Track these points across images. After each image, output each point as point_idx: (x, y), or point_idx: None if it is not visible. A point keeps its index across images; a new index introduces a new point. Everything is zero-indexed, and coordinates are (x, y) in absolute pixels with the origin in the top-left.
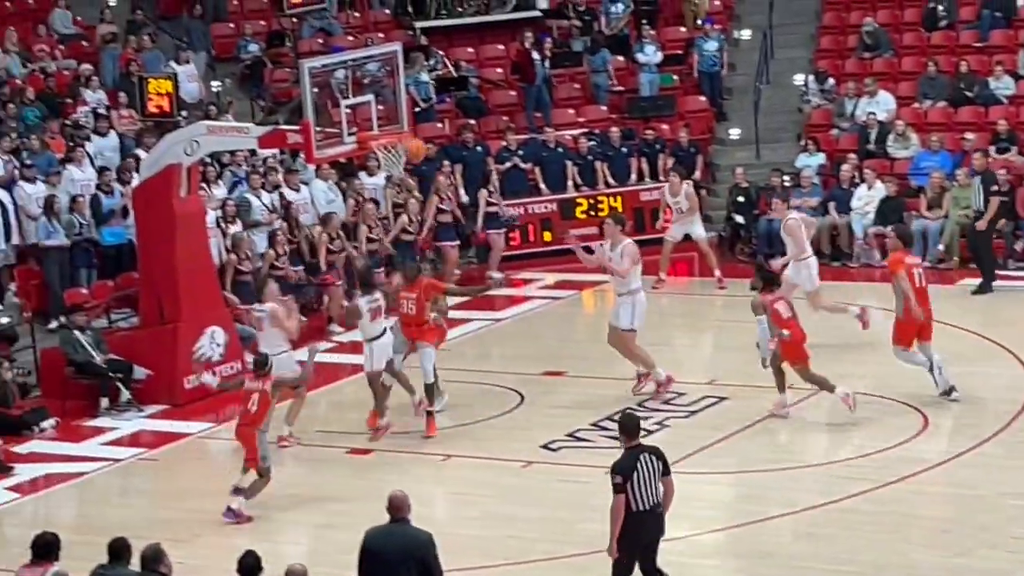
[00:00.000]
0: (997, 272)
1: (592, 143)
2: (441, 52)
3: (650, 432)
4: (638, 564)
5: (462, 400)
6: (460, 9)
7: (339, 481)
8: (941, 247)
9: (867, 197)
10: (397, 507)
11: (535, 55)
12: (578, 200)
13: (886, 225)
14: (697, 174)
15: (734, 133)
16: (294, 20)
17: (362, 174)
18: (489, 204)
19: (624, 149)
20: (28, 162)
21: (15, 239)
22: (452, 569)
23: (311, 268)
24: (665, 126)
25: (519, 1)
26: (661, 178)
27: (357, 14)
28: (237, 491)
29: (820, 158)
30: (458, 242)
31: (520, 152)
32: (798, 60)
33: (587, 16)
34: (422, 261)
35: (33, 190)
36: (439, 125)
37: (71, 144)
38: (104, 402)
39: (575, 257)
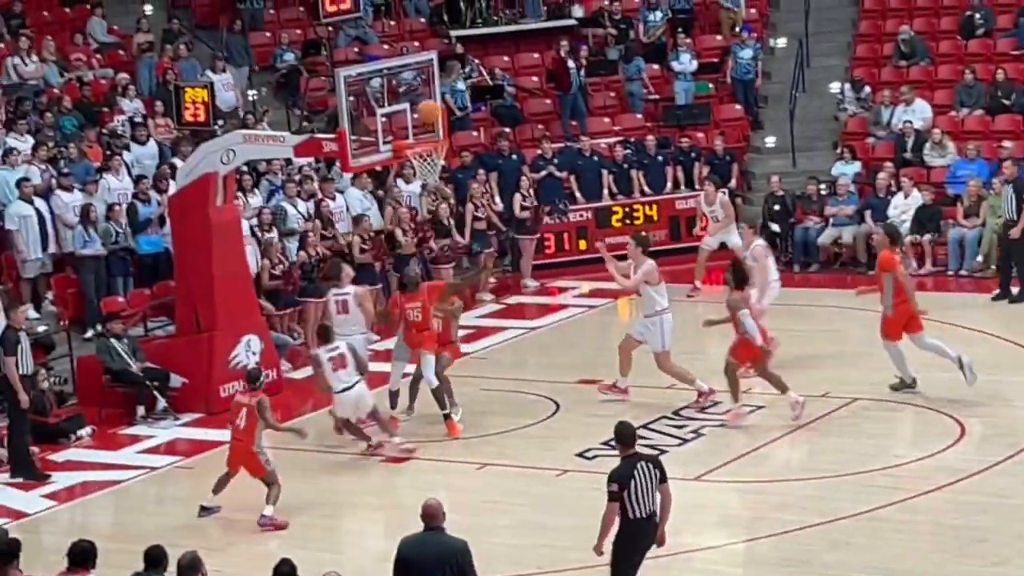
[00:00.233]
0: None
1: (627, 151)
2: (476, 60)
3: (685, 440)
4: None
5: (497, 408)
6: (495, 18)
7: (374, 489)
8: (980, 258)
9: (903, 205)
10: (431, 515)
11: (571, 63)
12: (614, 208)
13: (922, 234)
14: (732, 182)
15: (770, 141)
16: (330, 29)
17: (399, 181)
18: (523, 209)
19: (660, 157)
20: (65, 171)
21: (52, 248)
22: None
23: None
24: (701, 134)
25: (554, 10)
26: (696, 186)
27: (392, 23)
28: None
29: (856, 166)
30: (492, 249)
31: (555, 160)
32: (834, 68)
33: (623, 24)
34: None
35: (70, 199)
36: (474, 133)
37: (108, 153)
38: (140, 410)
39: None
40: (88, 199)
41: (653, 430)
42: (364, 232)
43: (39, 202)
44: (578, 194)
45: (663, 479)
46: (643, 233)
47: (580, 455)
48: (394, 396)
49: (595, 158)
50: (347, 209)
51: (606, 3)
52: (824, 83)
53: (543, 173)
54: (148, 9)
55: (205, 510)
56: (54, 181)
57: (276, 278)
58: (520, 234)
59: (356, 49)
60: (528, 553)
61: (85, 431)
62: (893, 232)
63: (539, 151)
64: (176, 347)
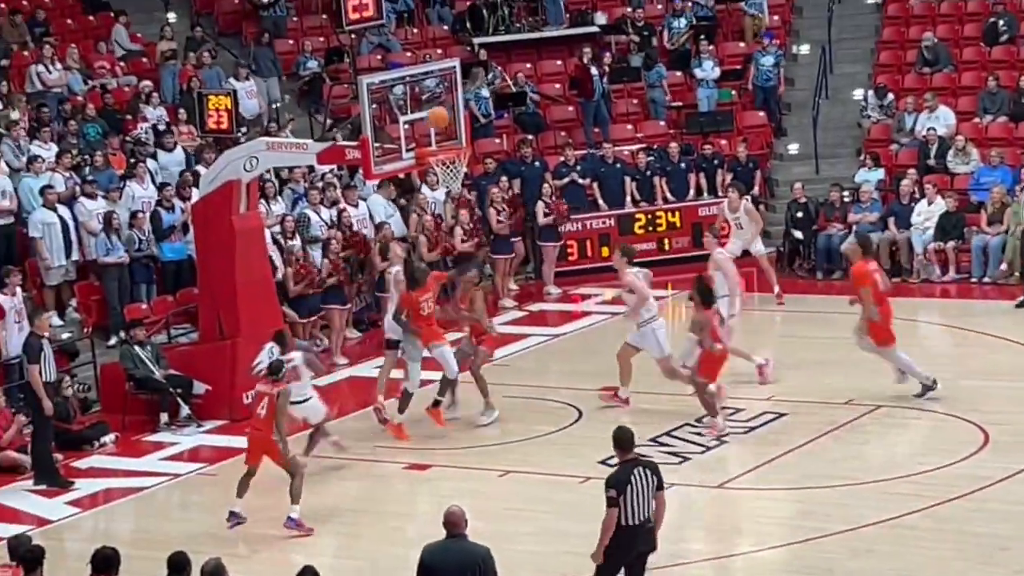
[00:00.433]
0: None
1: (650, 158)
2: (499, 68)
3: (708, 448)
4: (627, 573)
5: (519, 415)
6: (518, 25)
7: (396, 496)
8: (1004, 265)
9: (927, 212)
10: (454, 523)
11: (593, 70)
12: (636, 215)
13: (946, 241)
14: (756, 189)
15: (793, 148)
16: (353, 37)
17: (424, 188)
18: (546, 215)
19: (682, 164)
20: (90, 178)
21: (75, 255)
22: None
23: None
24: (724, 141)
25: (577, 17)
26: (720, 193)
27: (415, 30)
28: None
29: (879, 173)
30: (512, 255)
31: (578, 167)
32: (857, 75)
33: (645, 31)
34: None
35: (94, 206)
36: (497, 141)
37: (132, 160)
38: (164, 417)
39: None
40: (111, 206)
41: (676, 437)
42: (385, 239)
43: (62, 209)
44: (601, 201)
45: (660, 486)
46: (630, 246)
47: (603, 462)
48: (408, 399)
49: (618, 165)
50: (370, 216)
51: (629, 10)
52: (847, 90)
53: (566, 180)
54: (172, 17)
55: (233, 515)
56: (78, 188)
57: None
58: (543, 241)
59: (379, 57)
60: (551, 560)
61: (108, 438)
62: (865, 243)
63: (562, 158)
64: (199, 354)
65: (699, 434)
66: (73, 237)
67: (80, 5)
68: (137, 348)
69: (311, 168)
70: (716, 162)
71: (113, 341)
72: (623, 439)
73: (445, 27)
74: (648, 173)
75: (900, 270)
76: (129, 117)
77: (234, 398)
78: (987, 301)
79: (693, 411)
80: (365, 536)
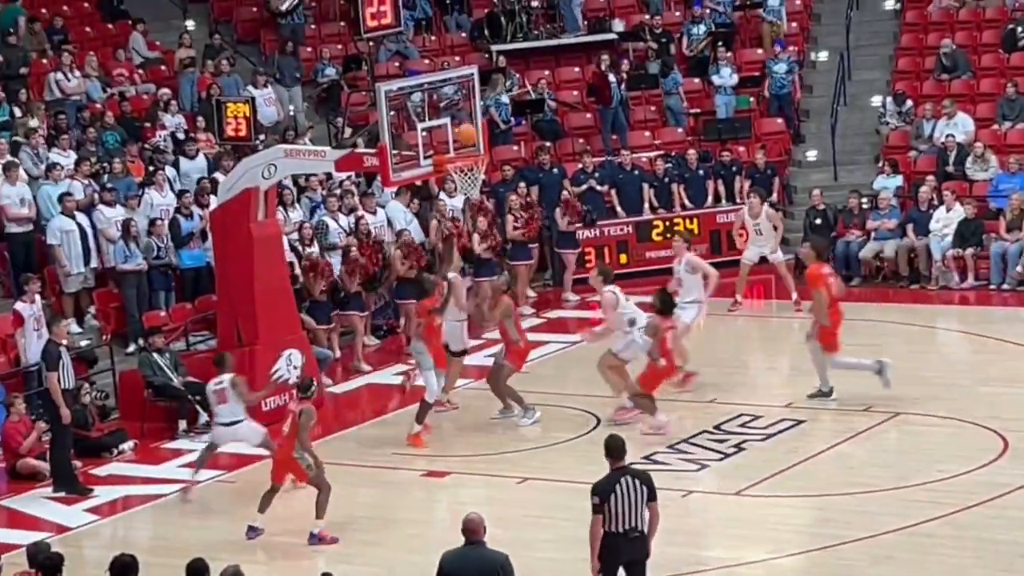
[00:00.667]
0: None
1: (668, 165)
2: (517, 75)
3: (727, 455)
4: None
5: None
6: (536, 32)
7: (415, 503)
8: (1019, 268)
9: (946, 219)
10: (472, 530)
11: (611, 77)
12: (654, 222)
13: (965, 247)
14: (774, 196)
15: (811, 155)
16: (371, 44)
17: (442, 195)
18: (569, 224)
19: (701, 171)
20: (108, 186)
21: (94, 262)
22: None
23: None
24: (742, 148)
25: (595, 24)
26: (738, 200)
27: (433, 38)
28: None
29: (898, 180)
30: (531, 261)
31: (596, 174)
32: (875, 82)
33: (663, 38)
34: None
35: (112, 214)
36: (515, 148)
37: (151, 168)
38: (182, 424)
39: (651, 280)
40: (130, 214)
41: (694, 444)
42: (405, 246)
43: (81, 217)
44: (619, 208)
45: (652, 496)
46: (607, 266)
47: None
48: (427, 408)
49: (636, 172)
50: (388, 223)
51: (647, 17)
52: (866, 97)
53: (584, 187)
54: (190, 25)
55: (252, 530)
56: (96, 196)
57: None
58: (562, 248)
59: (397, 64)
60: (569, 567)
61: (127, 445)
62: (820, 247)
63: (580, 165)
64: None
65: (718, 441)
66: (91, 244)
67: (99, 13)
68: (155, 355)
69: (329, 175)
70: (734, 169)
71: (131, 348)
72: (613, 447)
73: (463, 34)
74: (666, 180)
75: (919, 277)
76: (148, 125)
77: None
78: (1006, 308)
79: (711, 419)
80: (383, 543)
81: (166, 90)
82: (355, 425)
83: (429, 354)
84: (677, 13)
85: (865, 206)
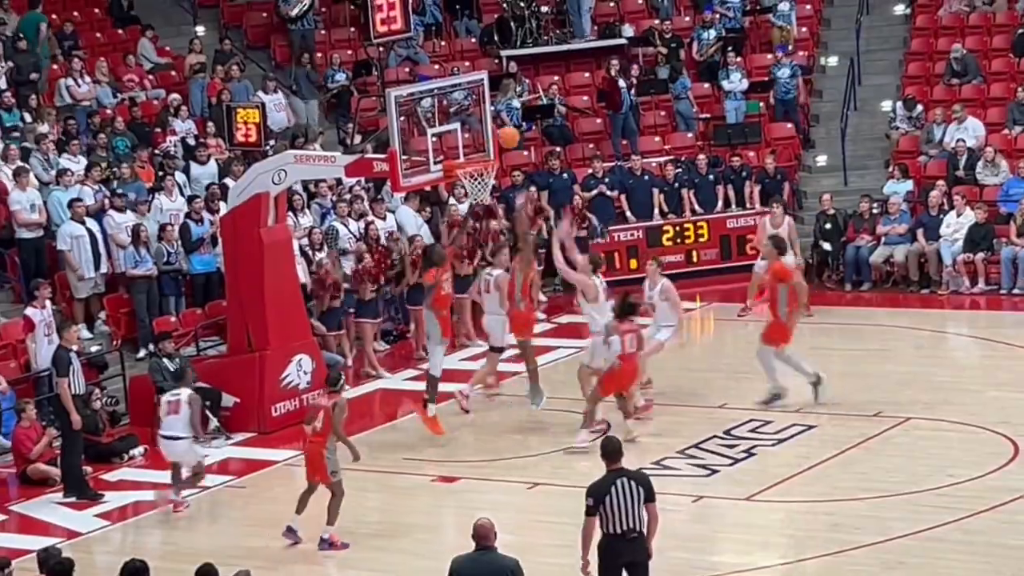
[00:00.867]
0: None
1: (678, 170)
2: (527, 80)
3: (737, 460)
4: None
5: (548, 427)
6: (546, 37)
7: (425, 509)
8: None
9: (956, 224)
10: (483, 535)
11: (621, 83)
12: (664, 227)
13: (975, 252)
14: (784, 201)
15: (821, 160)
16: (381, 49)
17: (451, 200)
18: (580, 228)
19: (710, 176)
20: (119, 191)
21: (104, 267)
22: None
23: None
24: (752, 153)
25: (605, 29)
26: (748, 205)
27: (443, 43)
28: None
29: (908, 185)
30: (542, 266)
31: (606, 179)
32: (885, 87)
33: (673, 43)
34: None
35: (122, 219)
36: (525, 153)
37: (161, 173)
38: None
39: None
40: (140, 219)
41: (704, 449)
42: (418, 249)
43: (90, 222)
44: (629, 213)
45: (649, 498)
46: (599, 256)
47: None
48: (436, 383)
49: (646, 177)
50: (399, 229)
51: (657, 22)
52: (876, 101)
53: (594, 192)
54: (200, 30)
55: (290, 531)
56: (107, 201)
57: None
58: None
59: (407, 69)
60: (579, 573)
61: (137, 451)
62: (780, 243)
63: (590, 170)
64: (228, 367)
65: (728, 446)
66: (102, 250)
67: (109, 19)
68: (166, 361)
69: (339, 181)
70: (744, 174)
71: (142, 354)
72: (608, 449)
73: (473, 40)
74: (676, 185)
75: (929, 282)
76: (158, 130)
77: (263, 410)
78: (1016, 313)
79: (721, 424)
80: (393, 549)
81: (176, 95)
82: (365, 430)
83: (439, 324)
84: (687, 18)
85: (875, 211)
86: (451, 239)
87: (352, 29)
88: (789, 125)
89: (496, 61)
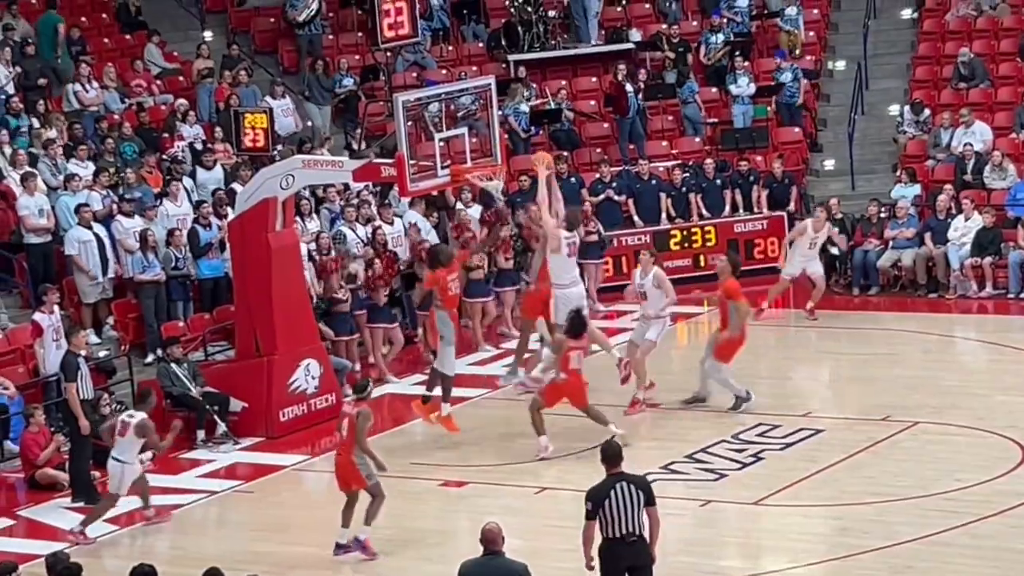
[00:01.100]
0: None
1: (686, 175)
2: (535, 85)
3: (745, 464)
4: None
5: (556, 432)
6: (553, 42)
7: (433, 513)
8: None
9: (964, 228)
10: (491, 540)
11: (628, 87)
12: (672, 232)
13: (983, 256)
14: (792, 206)
15: (829, 164)
16: (388, 54)
17: (458, 204)
18: (588, 233)
19: (718, 181)
20: (128, 197)
21: (111, 272)
22: None
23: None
24: (759, 157)
25: (612, 34)
26: (755, 210)
27: (450, 48)
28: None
29: (916, 189)
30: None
31: (614, 184)
32: (893, 91)
33: (680, 48)
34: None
35: (130, 224)
36: (532, 157)
37: (168, 178)
38: (200, 434)
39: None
40: (147, 224)
41: (712, 454)
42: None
43: (98, 227)
44: (636, 218)
45: (649, 502)
46: (577, 212)
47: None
48: (450, 382)
49: (653, 182)
50: (405, 233)
51: (664, 27)
52: (883, 105)
53: (601, 197)
54: (208, 35)
55: (340, 548)
56: (115, 207)
57: (339, 301)
58: (586, 258)
59: (414, 74)
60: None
61: (145, 455)
62: (735, 262)
63: (598, 175)
64: (236, 371)
65: (737, 450)
66: (109, 255)
67: (117, 24)
68: (174, 366)
69: (346, 186)
70: (752, 178)
71: (150, 359)
72: (607, 454)
73: (480, 44)
74: (684, 190)
75: (937, 286)
76: (165, 135)
77: (271, 415)
78: None
79: (729, 428)
80: (401, 553)
81: (183, 101)
82: (373, 435)
83: (451, 324)
84: (694, 23)
85: (883, 215)
86: (461, 242)
87: (359, 34)
88: (796, 129)
89: (503, 66)
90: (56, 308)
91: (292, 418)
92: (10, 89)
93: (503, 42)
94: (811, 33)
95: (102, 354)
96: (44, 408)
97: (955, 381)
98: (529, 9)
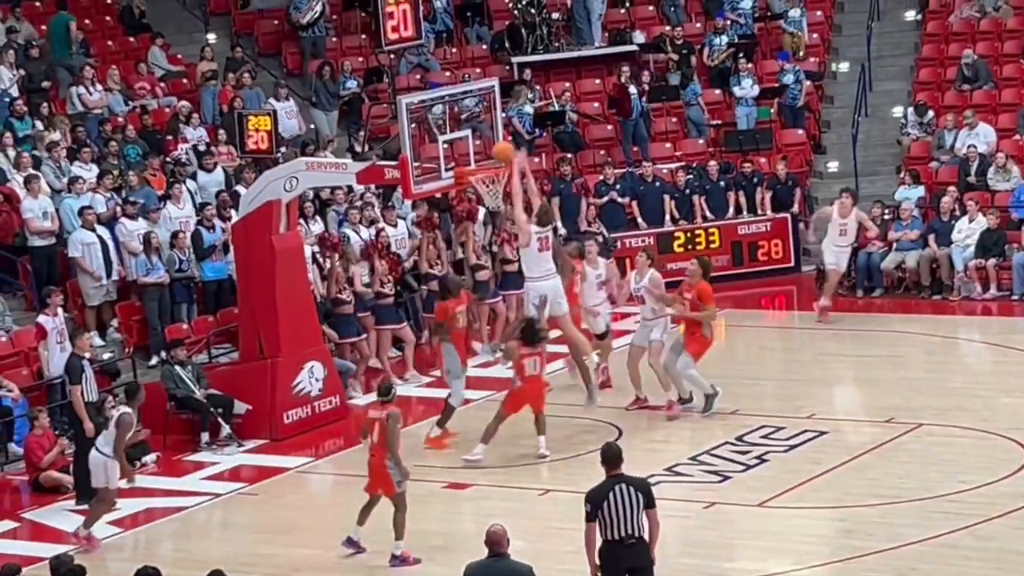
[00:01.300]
0: None
1: (689, 177)
2: (538, 87)
3: (749, 466)
4: None
5: (560, 434)
6: (556, 44)
7: (437, 516)
8: None
9: (968, 230)
10: (496, 542)
11: (632, 89)
12: (676, 234)
13: (987, 258)
14: (795, 207)
15: (832, 166)
16: (392, 57)
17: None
18: (591, 235)
19: (722, 183)
20: (132, 199)
21: (115, 275)
22: None
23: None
24: (763, 159)
25: (615, 36)
26: (759, 211)
27: (454, 50)
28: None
29: (919, 191)
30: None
31: (617, 186)
32: (896, 92)
33: (684, 50)
34: None
35: (134, 227)
36: (536, 159)
37: (171, 181)
38: (204, 437)
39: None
40: (151, 227)
41: (717, 456)
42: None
43: (101, 229)
44: (640, 220)
45: (649, 504)
46: (549, 208)
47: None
48: (451, 412)
49: (657, 183)
50: (409, 236)
51: (668, 29)
52: (887, 107)
53: (605, 199)
54: (212, 38)
55: (351, 542)
56: (119, 209)
57: (342, 303)
58: None
59: (418, 76)
60: None
61: (150, 458)
62: (706, 265)
63: (601, 177)
64: (240, 374)
65: (741, 452)
66: (113, 257)
67: (120, 27)
68: (178, 368)
69: (350, 188)
70: (755, 180)
71: (154, 361)
72: (607, 456)
73: (484, 47)
74: (687, 191)
75: (941, 287)
76: (169, 138)
77: (275, 417)
78: None
79: (733, 430)
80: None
81: (186, 103)
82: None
83: (457, 357)
84: (698, 25)
85: (887, 217)
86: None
87: (363, 36)
88: (800, 131)
89: (507, 68)
90: (60, 310)
91: (296, 420)
92: (14, 92)
93: (507, 44)
94: (815, 35)
95: (106, 356)
96: (48, 411)
97: (959, 383)
98: (532, 11)
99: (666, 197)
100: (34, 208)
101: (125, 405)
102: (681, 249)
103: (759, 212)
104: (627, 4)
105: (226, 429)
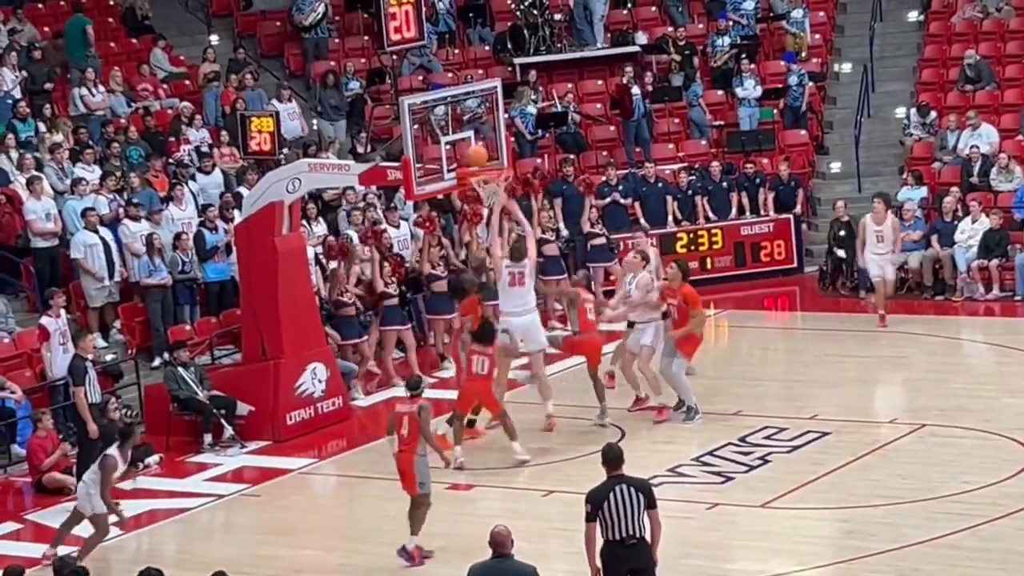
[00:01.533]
0: None
1: (692, 177)
2: (541, 88)
3: (752, 467)
4: None
5: (563, 435)
6: (559, 45)
7: (440, 517)
8: None
9: (971, 230)
10: (500, 543)
11: (634, 90)
12: (678, 235)
13: (989, 258)
14: (798, 208)
15: (835, 167)
16: (394, 58)
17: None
18: (594, 236)
19: (724, 183)
20: (135, 201)
21: (117, 276)
22: None
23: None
24: (765, 160)
25: (618, 37)
26: (762, 212)
27: (457, 51)
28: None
29: (922, 191)
30: (564, 276)
31: (620, 187)
32: (899, 93)
33: (687, 51)
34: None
35: (137, 228)
36: (539, 160)
37: (173, 182)
38: (207, 438)
39: None
40: (154, 228)
41: (720, 456)
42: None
43: (104, 231)
44: (642, 220)
45: (650, 504)
46: (522, 243)
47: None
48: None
49: (659, 184)
50: (411, 237)
51: (670, 30)
52: (889, 108)
53: (607, 200)
54: (214, 39)
55: (405, 552)
56: (121, 211)
57: (344, 305)
58: (595, 261)
59: (420, 77)
60: None
61: (153, 459)
62: (685, 269)
63: (604, 178)
64: (242, 375)
65: (744, 453)
66: (116, 258)
67: (123, 28)
68: (181, 369)
69: (352, 189)
70: (758, 181)
71: (157, 362)
72: (607, 457)
73: (486, 47)
74: (689, 192)
75: (943, 288)
76: (172, 139)
77: (278, 419)
78: None
79: (736, 431)
80: None
81: (188, 104)
82: (381, 438)
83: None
84: (700, 26)
85: None
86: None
87: (366, 37)
88: (803, 132)
89: (509, 69)
90: (63, 312)
91: (299, 422)
92: (17, 93)
93: (509, 45)
94: (817, 36)
95: (109, 358)
96: (51, 412)
97: (962, 383)
98: (535, 12)
99: (668, 198)
100: (37, 210)
101: (115, 448)
102: (684, 250)
103: (762, 213)
104: (629, 5)
105: (229, 430)
